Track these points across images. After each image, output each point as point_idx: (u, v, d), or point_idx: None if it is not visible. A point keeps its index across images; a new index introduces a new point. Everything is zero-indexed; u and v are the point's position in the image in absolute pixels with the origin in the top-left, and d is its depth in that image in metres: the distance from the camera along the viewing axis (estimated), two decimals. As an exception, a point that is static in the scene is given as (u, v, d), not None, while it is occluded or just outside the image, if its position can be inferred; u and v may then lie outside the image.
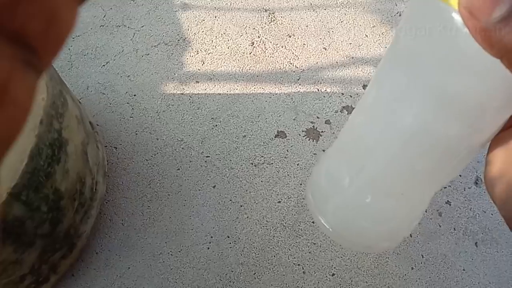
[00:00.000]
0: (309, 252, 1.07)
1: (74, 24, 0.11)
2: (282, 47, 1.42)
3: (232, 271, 1.04)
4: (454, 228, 1.12)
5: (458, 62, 0.18)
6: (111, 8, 1.51)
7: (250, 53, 1.40)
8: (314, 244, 1.08)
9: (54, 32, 0.10)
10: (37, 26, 0.10)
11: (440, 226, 1.12)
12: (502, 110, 0.20)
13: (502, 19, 0.14)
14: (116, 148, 1.21)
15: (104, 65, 1.37)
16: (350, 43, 1.44)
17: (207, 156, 1.20)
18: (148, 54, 1.40)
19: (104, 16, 1.49)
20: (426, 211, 1.13)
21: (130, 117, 1.27)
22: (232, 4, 1.53)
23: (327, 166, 0.33)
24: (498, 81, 0.17)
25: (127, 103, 1.29)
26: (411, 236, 1.10)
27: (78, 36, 1.43)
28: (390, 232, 0.32)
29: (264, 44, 1.43)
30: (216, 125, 1.25)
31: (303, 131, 1.25)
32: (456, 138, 0.22)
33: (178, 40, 1.43)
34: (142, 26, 1.46)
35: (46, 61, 0.10)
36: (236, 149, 1.22)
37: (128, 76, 1.35)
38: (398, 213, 0.31)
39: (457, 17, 0.16)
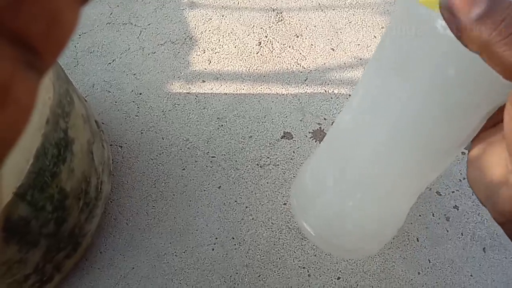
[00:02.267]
0: (315, 255, 1.06)
1: (76, 25, 0.11)
2: (289, 47, 1.41)
3: (237, 273, 1.03)
4: (462, 233, 1.10)
5: (442, 64, 0.20)
6: (117, 6, 1.50)
7: (257, 53, 1.39)
8: (320, 247, 1.07)
9: (56, 33, 0.10)
10: (38, 27, 0.10)
11: (447, 231, 1.10)
12: (485, 109, 0.21)
13: (480, 17, 0.15)
14: (121, 147, 1.21)
15: (110, 63, 1.36)
16: (358, 44, 1.42)
17: (212, 156, 1.19)
18: (154, 53, 1.39)
19: (111, 13, 1.48)
20: (433, 215, 1.12)
21: (136, 115, 1.26)
22: (239, 3, 1.52)
23: (311, 168, 0.33)
24: (480, 81, 0.19)
25: (133, 101, 1.29)
26: (417, 240, 1.09)
27: (84, 33, 1.43)
28: (374, 235, 0.32)
29: (272, 44, 1.41)
30: (222, 125, 1.25)
31: (309, 132, 1.24)
32: (441, 137, 0.23)
33: (185, 38, 1.42)
34: (149, 24, 1.46)
35: (48, 62, 0.10)
36: (242, 149, 1.21)
37: (134, 74, 1.34)
38: (382, 215, 0.30)
39: (440, 22, 0.18)
